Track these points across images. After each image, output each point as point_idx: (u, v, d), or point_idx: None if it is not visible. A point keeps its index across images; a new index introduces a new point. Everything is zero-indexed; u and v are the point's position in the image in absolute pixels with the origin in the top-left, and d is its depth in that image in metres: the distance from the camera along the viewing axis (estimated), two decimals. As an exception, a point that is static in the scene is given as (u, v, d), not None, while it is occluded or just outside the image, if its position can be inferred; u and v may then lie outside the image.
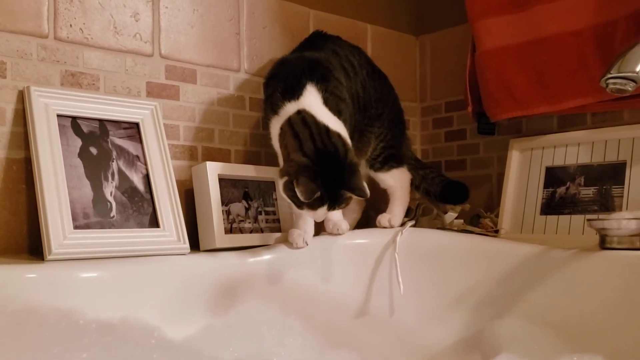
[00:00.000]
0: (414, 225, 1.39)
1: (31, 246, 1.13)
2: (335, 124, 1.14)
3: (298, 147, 1.10)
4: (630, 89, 1.00)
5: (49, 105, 1.11)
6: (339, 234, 1.28)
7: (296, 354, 1.00)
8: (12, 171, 1.12)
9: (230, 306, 1.09)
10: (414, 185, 1.45)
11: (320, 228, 1.30)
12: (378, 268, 1.30)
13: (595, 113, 1.41)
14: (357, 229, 1.43)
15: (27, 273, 0.95)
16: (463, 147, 1.70)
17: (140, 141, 1.20)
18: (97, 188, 1.11)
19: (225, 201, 1.24)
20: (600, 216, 1.13)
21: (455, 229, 1.43)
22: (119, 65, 1.25)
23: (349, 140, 1.13)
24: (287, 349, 1.00)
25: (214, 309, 1.09)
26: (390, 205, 1.40)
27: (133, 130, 1.20)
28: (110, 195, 1.12)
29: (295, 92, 1.15)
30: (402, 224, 1.37)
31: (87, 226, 1.07)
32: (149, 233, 1.13)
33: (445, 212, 1.47)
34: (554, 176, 1.42)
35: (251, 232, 1.27)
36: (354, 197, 1.10)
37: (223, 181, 1.25)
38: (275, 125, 1.17)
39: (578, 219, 1.35)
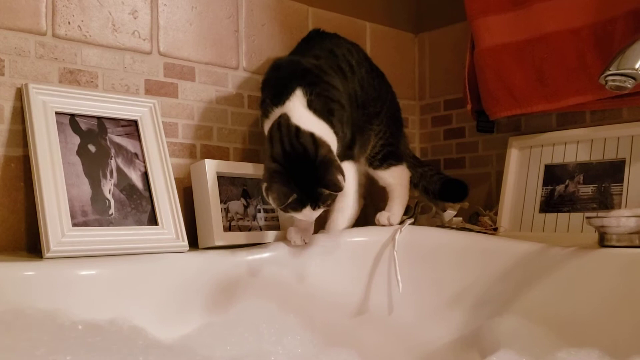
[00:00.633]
0: (413, 223, 1.39)
1: (29, 244, 1.12)
2: (314, 125, 1.13)
3: (270, 152, 1.12)
4: (629, 86, 1.00)
5: (47, 103, 1.11)
6: (336, 229, 1.25)
7: (294, 352, 1.00)
8: (11, 169, 1.12)
9: (229, 304, 1.09)
10: (413, 183, 1.45)
11: (319, 227, 1.30)
12: (377, 266, 1.30)
13: (594, 111, 1.41)
14: (355, 226, 1.43)
15: (25, 270, 0.95)
16: (462, 145, 1.70)
17: (139, 139, 1.20)
18: (96, 186, 1.11)
19: (224, 199, 1.24)
20: (599, 214, 1.13)
21: (454, 227, 1.43)
22: (117, 62, 1.25)
23: (325, 138, 1.13)
24: (286, 347, 1.00)
25: (213, 307, 1.09)
26: (389, 203, 1.40)
27: (131, 127, 1.20)
28: (109, 192, 1.12)
29: (282, 98, 1.17)
30: (401, 222, 1.37)
31: (86, 224, 1.07)
32: (147, 231, 1.13)
33: (444, 210, 1.47)
34: (553, 174, 1.42)
35: (250, 230, 1.27)
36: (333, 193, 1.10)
37: (222, 179, 1.25)
38: (267, 129, 1.19)
39: (577, 217, 1.35)
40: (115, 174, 1.14)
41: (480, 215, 1.50)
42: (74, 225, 1.05)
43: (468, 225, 1.43)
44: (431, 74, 1.78)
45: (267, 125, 1.18)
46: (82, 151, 1.12)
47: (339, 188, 1.08)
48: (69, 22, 1.19)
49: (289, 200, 1.07)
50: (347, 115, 1.23)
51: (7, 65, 1.12)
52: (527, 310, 1.10)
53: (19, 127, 1.12)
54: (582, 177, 1.38)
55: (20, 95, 1.12)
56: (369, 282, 1.29)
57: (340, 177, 1.07)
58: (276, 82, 1.22)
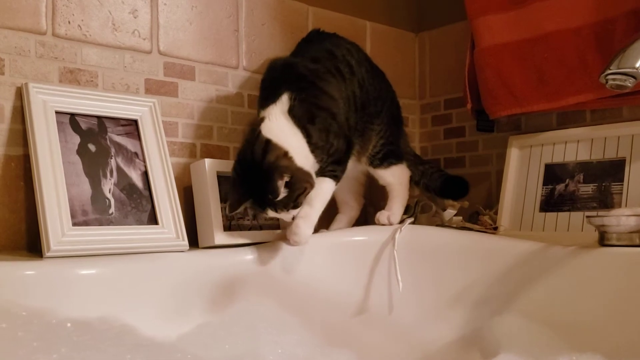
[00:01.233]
0: (413, 223, 1.39)
1: (30, 243, 1.13)
2: (283, 132, 1.15)
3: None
4: (630, 85, 1.00)
5: (47, 102, 1.11)
6: (295, 243, 1.17)
7: (294, 351, 0.99)
8: (11, 168, 1.12)
9: (229, 303, 1.09)
10: (414, 181, 1.45)
11: (319, 226, 1.29)
12: (377, 265, 1.30)
13: (594, 110, 1.41)
14: (355, 226, 1.43)
15: (25, 270, 0.95)
16: (462, 145, 1.69)
17: (139, 138, 1.20)
18: (96, 185, 1.11)
19: (224, 198, 1.24)
20: (600, 213, 1.13)
21: (454, 226, 1.43)
22: (117, 62, 1.25)
23: (288, 146, 1.13)
24: (285, 346, 1.00)
25: (212, 306, 1.09)
26: (389, 202, 1.39)
27: (132, 127, 1.20)
28: (109, 192, 1.12)
29: (268, 101, 1.20)
30: (401, 221, 1.37)
31: (86, 223, 1.07)
32: (147, 230, 1.13)
33: (444, 209, 1.47)
34: (553, 173, 1.42)
35: (250, 229, 1.27)
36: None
37: (222, 178, 1.25)
38: None
39: (577, 216, 1.35)
40: (115, 173, 1.14)
41: (480, 214, 1.50)
42: (74, 224, 1.05)
43: (468, 225, 1.43)
44: (431, 73, 1.78)
45: None
46: (82, 150, 1.12)
47: (275, 195, 1.09)
48: (69, 22, 1.19)
49: (242, 207, 1.12)
50: (339, 125, 1.22)
51: (7, 64, 1.12)
52: (527, 310, 1.10)
53: (19, 126, 1.12)
54: (582, 176, 1.38)
55: (20, 95, 1.12)
56: (369, 281, 1.29)
57: (279, 183, 1.08)
58: (268, 85, 1.25)
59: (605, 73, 1.00)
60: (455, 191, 1.45)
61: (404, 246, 1.29)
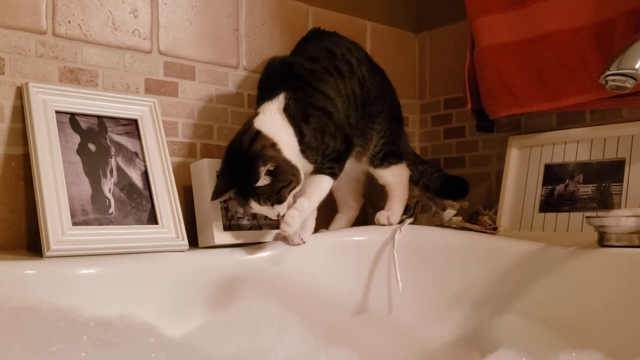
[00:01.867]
0: (413, 223, 1.39)
1: (29, 243, 1.13)
2: (277, 128, 1.16)
3: None
4: (629, 85, 1.00)
5: (48, 102, 1.11)
6: (284, 232, 1.17)
7: (294, 350, 0.99)
8: (11, 167, 1.12)
9: (229, 303, 1.09)
10: (413, 181, 1.45)
11: (319, 226, 1.30)
12: (376, 265, 1.30)
13: (594, 111, 1.41)
14: (355, 226, 1.43)
15: (25, 269, 0.95)
16: (462, 145, 1.70)
17: (139, 138, 1.20)
18: (96, 184, 1.11)
19: (224, 198, 1.24)
20: (599, 213, 1.13)
21: (454, 226, 1.43)
22: (117, 61, 1.25)
23: (279, 140, 1.14)
24: (286, 346, 0.99)
25: (213, 306, 1.09)
26: (388, 202, 1.39)
27: (132, 126, 1.20)
28: (109, 191, 1.12)
29: (265, 99, 1.20)
30: (401, 221, 1.37)
31: (86, 223, 1.07)
32: (147, 230, 1.13)
33: (444, 210, 1.47)
34: (553, 173, 1.42)
35: (250, 229, 1.27)
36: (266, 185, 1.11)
37: (222, 178, 1.25)
38: None
39: (577, 217, 1.35)
40: (115, 173, 1.15)
41: (480, 214, 1.50)
42: (74, 224, 1.05)
43: (468, 225, 1.43)
44: (431, 73, 1.78)
45: None
46: (82, 150, 1.12)
47: (255, 180, 1.09)
48: (69, 21, 1.19)
49: (225, 196, 1.14)
50: (336, 125, 1.23)
51: (7, 64, 1.12)
52: (526, 310, 1.10)
53: (19, 126, 1.12)
54: (582, 177, 1.38)
55: (20, 94, 1.12)
56: (369, 281, 1.29)
57: (261, 169, 1.08)
58: (265, 84, 1.25)
59: (605, 74, 1.00)
60: (454, 191, 1.45)
61: (403, 246, 1.29)
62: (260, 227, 1.29)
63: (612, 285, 1.03)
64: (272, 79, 1.24)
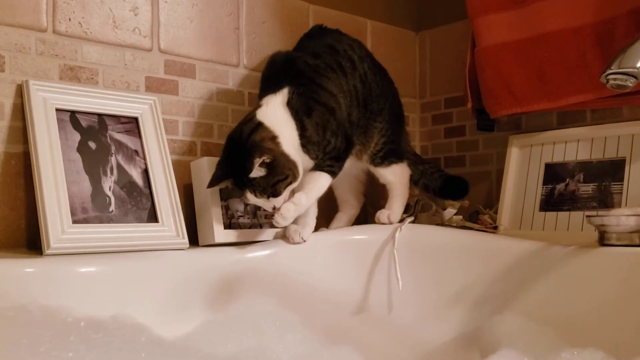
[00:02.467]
0: (413, 222, 1.39)
1: (29, 240, 1.12)
2: (279, 120, 1.16)
3: None
4: (630, 84, 1.00)
5: (48, 100, 1.11)
6: (277, 224, 1.17)
7: (295, 349, 0.99)
8: (11, 165, 1.11)
9: (229, 301, 1.09)
10: (413, 180, 1.45)
11: (319, 224, 1.29)
12: (377, 264, 1.30)
13: (594, 110, 1.41)
14: (355, 224, 1.43)
15: (25, 267, 0.95)
16: (462, 144, 1.69)
17: (139, 136, 1.20)
18: (96, 182, 1.11)
19: (224, 196, 1.24)
20: (600, 213, 1.13)
21: (454, 225, 1.43)
22: (117, 59, 1.24)
23: (280, 133, 1.14)
24: (286, 344, 0.99)
25: (213, 304, 1.08)
26: (389, 201, 1.39)
27: (132, 124, 1.20)
28: (109, 189, 1.12)
29: (268, 93, 1.21)
30: (401, 220, 1.37)
31: (86, 221, 1.07)
32: (147, 228, 1.13)
33: (444, 209, 1.47)
34: (553, 173, 1.42)
35: (250, 227, 1.27)
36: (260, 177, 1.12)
37: (222, 176, 1.25)
38: None
39: (577, 216, 1.35)
40: (115, 171, 1.14)
41: (480, 213, 1.50)
42: (74, 222, 1.05)
43: (468, 224, 1.43)
44: (432, 72, 1.78)
45: None
46: (82, 148, 1.12)
47: (249, 170, 1.09)
48: (69, 19, 1.19)
49: (221, 184, 1.14)
50: (338, 123, 1.23)
51: (7, 61, 1.12)
52: (527, 309, 1.10)
53: (20, 123, 1.12)
54: (582, 176, 1.38)
55: (20, 92, 1.11)
56: (369, 280, 1.29)
57: (256, 160, 1.08)
58: (269, 78, 1.26)
59: (606, 73, 1.00)
60: (454, 191, 1.45)
61: (404, 245, 1.29)
62: (260, 226, 1.29)
63: (613, 285, 1.03)
64: (275, 74, 1.25)
